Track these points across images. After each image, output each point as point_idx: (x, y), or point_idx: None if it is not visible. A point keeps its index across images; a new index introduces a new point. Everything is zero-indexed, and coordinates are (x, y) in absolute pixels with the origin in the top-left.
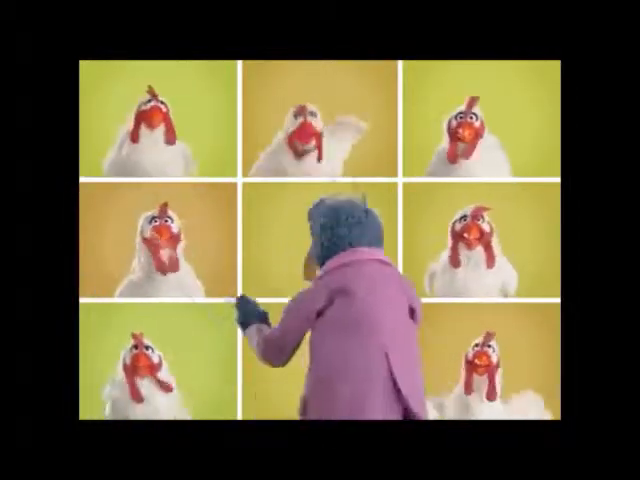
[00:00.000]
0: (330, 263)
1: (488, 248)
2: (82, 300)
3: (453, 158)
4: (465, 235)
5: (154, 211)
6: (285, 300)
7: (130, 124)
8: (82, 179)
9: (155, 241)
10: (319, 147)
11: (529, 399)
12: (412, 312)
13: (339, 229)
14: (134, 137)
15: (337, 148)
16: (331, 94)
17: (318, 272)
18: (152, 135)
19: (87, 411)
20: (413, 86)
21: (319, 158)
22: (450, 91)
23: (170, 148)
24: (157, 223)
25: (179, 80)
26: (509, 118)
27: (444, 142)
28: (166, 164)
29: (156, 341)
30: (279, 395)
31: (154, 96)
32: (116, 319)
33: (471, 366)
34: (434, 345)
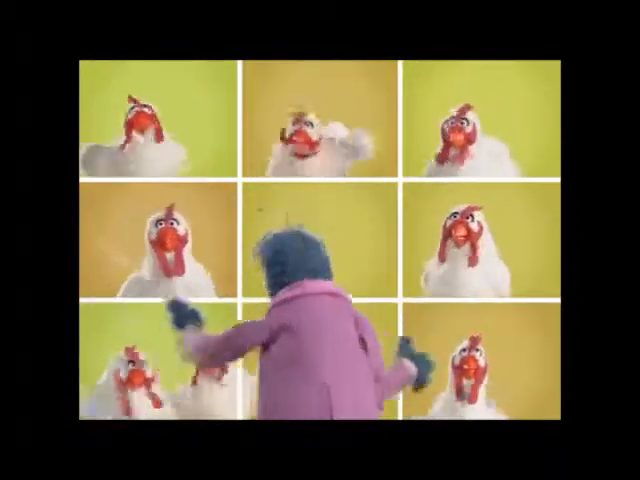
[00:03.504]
0: (276, 298)
1: (473, 247)
2: (82, 300)
3: (442, 159)
4: (452, 232)
5: (160, 214)
6: None
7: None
8: (82, 179)
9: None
10: (315, 153)
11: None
12: (363, 342)
13: (282, 264)
14: (123, 146)
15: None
16: (331, 94)
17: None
18: (143, 138)
19: (87, 411)
20: (413, 86)
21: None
22: (450, 91)
23: (161, 147)
24: (163, 226)
25: (179, 80)
26: (509, 118)
27: (439, 145)
28: (157, 161)
29: (156, 340)
30: None
31: (135, 102)
32: (116, 318)
33: (460, 371)
34: (432, 346)
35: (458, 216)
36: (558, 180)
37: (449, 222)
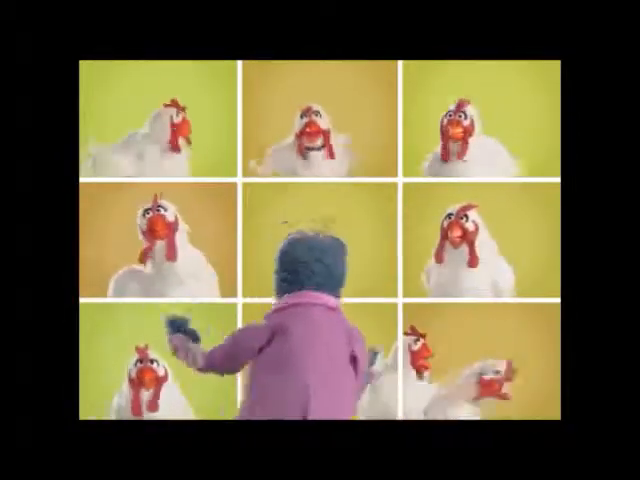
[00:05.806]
0: (278, 303)
1: (471, 247)
2: (82, 300)
3: (446, 156)
4: (448, 233)
5: (147, 204)
6: None
7: None
8: (82, 179)
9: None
10: (327, 145)
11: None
12: (354, 360)
13: (289, 272)
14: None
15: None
16: (331, 94)
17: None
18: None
19: (87, 411)
20: (413, 86)
21: (330, 156)
22: (450, 91)
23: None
24: (150, 215)
25: (179, 80)
26: (509, 118)
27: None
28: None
29: (155, 341)
30: None
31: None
32: (116, 319)
33: None
34: (432, 346)
35: (453, 217)
36: (558, 180)
37: (445, 223)
